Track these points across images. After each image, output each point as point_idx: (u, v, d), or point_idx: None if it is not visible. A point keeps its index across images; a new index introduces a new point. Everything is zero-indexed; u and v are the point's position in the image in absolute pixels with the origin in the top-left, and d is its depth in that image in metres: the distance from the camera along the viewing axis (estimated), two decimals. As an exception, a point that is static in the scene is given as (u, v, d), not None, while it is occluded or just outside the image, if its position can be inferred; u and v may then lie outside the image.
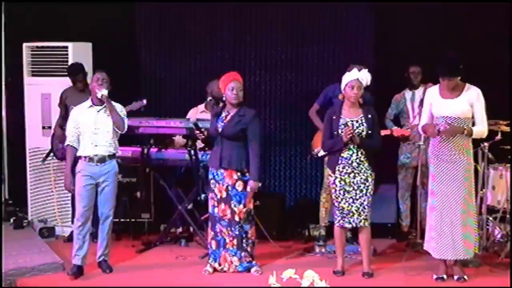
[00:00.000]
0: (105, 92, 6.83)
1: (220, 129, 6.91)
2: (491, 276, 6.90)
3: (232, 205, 6.92)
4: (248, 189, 6.87)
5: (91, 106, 6.93)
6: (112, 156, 6.94)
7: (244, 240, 6.96)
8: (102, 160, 6.88)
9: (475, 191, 6.97)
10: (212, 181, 6.98)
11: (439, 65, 6.65)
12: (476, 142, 7.22)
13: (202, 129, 7.05)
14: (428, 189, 6.88)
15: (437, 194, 6.71)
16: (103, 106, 6.89)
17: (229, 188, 6.91)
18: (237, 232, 6.94)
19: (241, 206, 6.92)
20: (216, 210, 6.97)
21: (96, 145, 6.86)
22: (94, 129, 6.87)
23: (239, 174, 6.89)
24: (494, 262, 7.17)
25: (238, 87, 6.90)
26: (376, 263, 7.23)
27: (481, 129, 6.67)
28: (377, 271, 7.03)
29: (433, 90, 6.80)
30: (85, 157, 6.87)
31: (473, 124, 6.67)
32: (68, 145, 6.97)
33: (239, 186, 6.91)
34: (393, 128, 7.97)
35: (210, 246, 7.04)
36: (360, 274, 6.94)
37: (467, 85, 6.70)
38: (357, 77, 6.79)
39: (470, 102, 6.64)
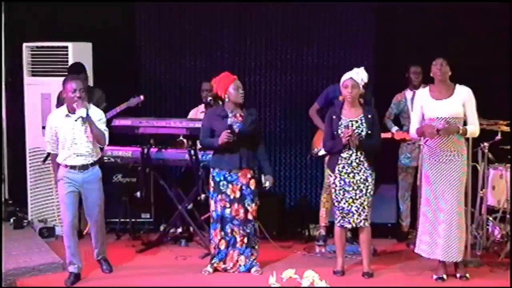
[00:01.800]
0: (83, 113, 6.55)
1: (237, 130, 6.89)
2: (491, 276, 6.90)
3: (246, 204, 6.94)
4: (268, 184, 6.99)
5: (67, 115, 6.69)
6: (94, 163, 6.79)
7: (253, 238, 7.01)
8: (84, 167, 6.73)
9: (474, 191, 6.98)
10: (222, 183, 6.93)
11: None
12: (476, 142, 7.23)
13: (236, 132, 6.91)
14: (422, 192, 6.87)
15: (431, 195, 6.70)
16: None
17: (243, 187, 6.93)
18: (248, 230, 6.97)
19: (254, 204, 6.96)
20: (227, 211, 6.95)
21: (77, 155, 6.70)
22: (73, 139, 6.68)
23: (251, 172, 6.94)
24: (494, 262, 7.17)
25: (241, 86, 6.93)
26: (376, 263, 7.23)
27: (474, 128, 6.68)
28: (377, 271, 7.03)
29: (423, 92, 6.79)
30: (66, 165, 6.71)
31: (465, 124, 6.68)
32: (49, 153, 6.78)
33: (252, 184, 6.95)
34: (394, 130, 7.97)
35: (218, 247, 7.01)
36: (360, 274, 6.94)
37: (457, 85, 6.71)
38: (350, 76, 6.80)
39: (463, 102, 6.65)
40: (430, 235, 6.71)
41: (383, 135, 7.26)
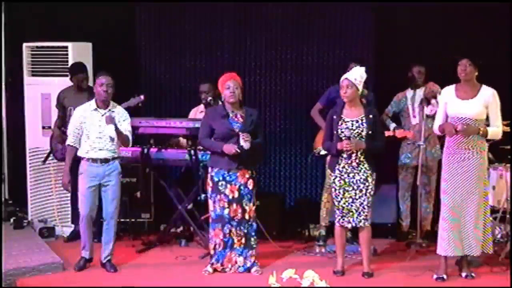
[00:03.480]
0: (111, 132, 6.83)
1: (237, 130, 6.89)
2: (491, 276, 6.90)
3: (244, 204, 6.94)
4: (243, 143, 6.76)
5: (95, 109, 6.93)
6: (115, 158, 7.00)
7: (253, 239, 6.99)
8: (105, 160, 6.92)
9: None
10: (221, 182, 6.93)
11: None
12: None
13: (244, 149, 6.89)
14: (440, 190, 6.86)
15: (449, 192, 6.70)
16: (108, 109, 6.92)
17: (242, 187, 6.92)
18: (245, 231, 6.96)
19: (251, 204, 6.95)
20: (226, 211, 6.95)
21: (100, 149, 6.89)
22: (99, 133, 6.89)
23: (250, 172, 6.95)
24: (494, 262, 7.17)
25: (234, 85, 6.90)
26: (376, 263, 7.23)
27: (496, 130, 6.67)
28: (377, 271, 7.03)
29: (449, 90, 6.78)
30: (88, 158, 6.92)
31: (488, 125, 6.68)
32: (68, 145, 7.02)
33: (250, 184, 6.95)
34: (392, 128, 7.96)
35: (216, 247, 7.02)
36: (360, 274, 6.94)
37: (483, 86, 6.70)
38: (346, 77, 6.81)
39: (486, 104, 6.64)
40: (448, 233, 6.70)
41: (385, 133, 7.28)
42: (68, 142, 7.04)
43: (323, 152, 7.52)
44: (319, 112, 7.90)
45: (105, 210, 7.03)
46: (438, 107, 7.00)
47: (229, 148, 6.80)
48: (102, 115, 6.89)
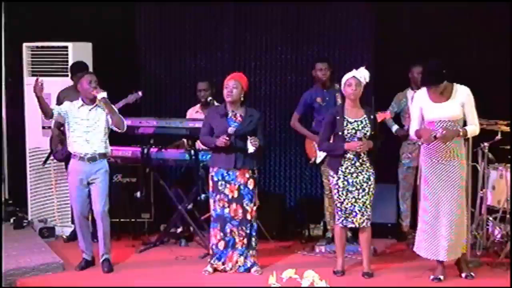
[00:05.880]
0: (104, 94, 6.87)
1: (234, 129, 6.90)
2: (491, 276, 6.90)
3: (244, 204, 6.93)
4: (250, 147, 6.75)
5: (82, 105, 6.97)
6: (102, 155, 7.01)
7: (253, 239, 6.99)
8: (93, 159, 6.95)
9: (474, 191, 6.98)
10: (220, 182, 6.94)
11: (422, 76, 6.71)
12: (476, 142, 7.23)
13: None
14: (421, 191, 6.86)
15: (430, 196, 6.69)
16: (95, 105, 6.94)
17: (241, 187, 6.92)
18: (248, 231, 6.96)
19: (252, 204, 6.95)
20: (226, 210, 6.95)
21: (87, 142, 6.93)
22: (86, 127, 6.93)
23: (250, 172, 6.93)
24: (494, 262, 7.17)
25: (232, 85, 6.90)
26: (376, 263, 7.23)
27: (473, 128, 6.66)
28: (377, 271, 7.03)
29: (422, 94, 6.74)
30: (75, 155, 6.96)
31: (465, 123, 6.67)
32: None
33: (251, 184, 6.94)
34: (396, 130, 7.99)
35: (217, 247, 7.01)
36: (360, 274, 6.94)
37: (455, 85, 6.67)
38: (353, 74, 6.81)
39: (461, 103, 6.62)
40: (429, 236, 6.70)
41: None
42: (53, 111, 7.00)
43: (318, 160, 7.62)
44: (298, 121, 7.95)
45: (94, 209, 7.04)
46: None
47: (220, 140, 6.81)
48: (90, 110, 6.92)
